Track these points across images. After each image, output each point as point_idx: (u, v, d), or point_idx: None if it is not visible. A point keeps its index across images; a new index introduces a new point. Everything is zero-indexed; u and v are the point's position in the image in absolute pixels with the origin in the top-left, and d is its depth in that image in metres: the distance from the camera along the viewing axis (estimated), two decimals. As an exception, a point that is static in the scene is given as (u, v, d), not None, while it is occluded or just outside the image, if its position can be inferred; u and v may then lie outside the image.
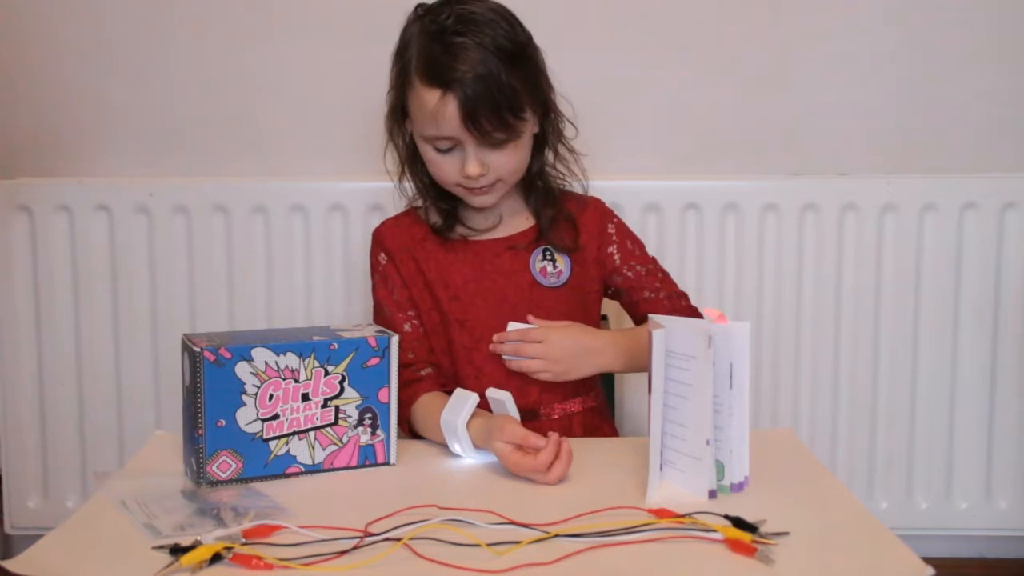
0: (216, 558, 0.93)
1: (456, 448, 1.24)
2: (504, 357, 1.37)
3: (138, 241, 1.94)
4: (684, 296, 1.50)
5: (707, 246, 1.94)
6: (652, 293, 1.49)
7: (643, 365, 1.33)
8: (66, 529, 1.03)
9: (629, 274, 1.49)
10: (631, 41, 1.98)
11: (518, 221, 1.48)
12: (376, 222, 1.90)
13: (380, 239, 1.49)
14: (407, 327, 1.43)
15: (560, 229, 1.47)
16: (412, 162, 1.47)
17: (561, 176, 1.51)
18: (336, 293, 1.96)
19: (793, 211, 1.94)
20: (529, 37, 1.40)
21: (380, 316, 1.47)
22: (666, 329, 1.10)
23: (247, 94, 1.98)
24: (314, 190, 1.94)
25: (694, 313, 1.47)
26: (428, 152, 1.39)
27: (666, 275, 1.51)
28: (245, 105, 1.99)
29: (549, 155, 1.49)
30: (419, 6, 1.40)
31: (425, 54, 1.34)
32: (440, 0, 1.38)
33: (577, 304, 1.46)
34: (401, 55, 1.39)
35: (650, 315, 1.13)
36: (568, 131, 1.49)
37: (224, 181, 1.95)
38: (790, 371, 1.98)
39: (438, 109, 1.32)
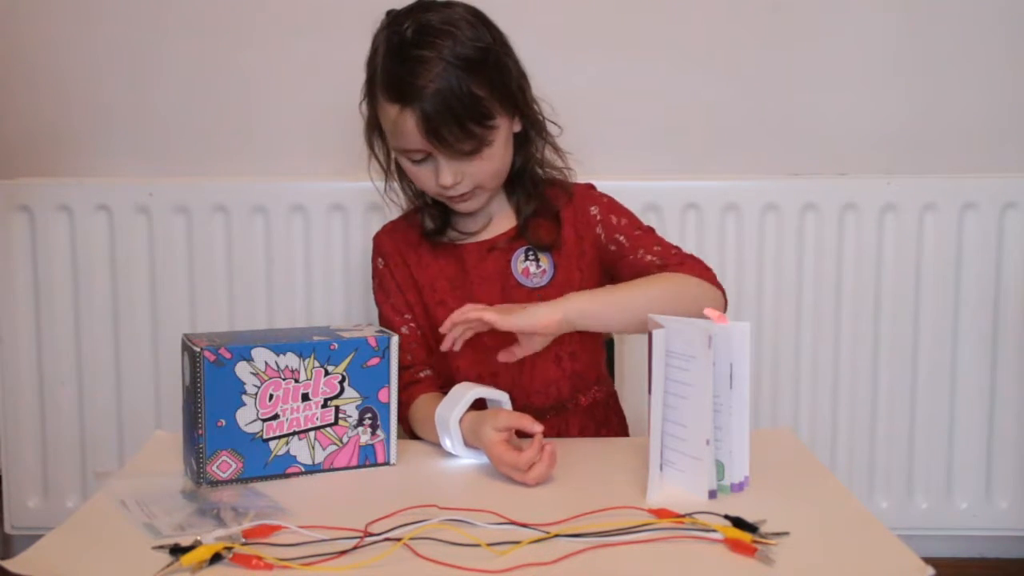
0: (216, 558, 0.93)
1: (447, 444, 1.24)
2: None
3: (138, 241, 1.94)
4: (675, 248, 1.41)
5: (707, 246, 1.94)
6: (636, 255, 1.42)
7: (623, 314, 1.30)
8: (66, 529, 1.03)
9: (613, 248, 1.44)
10: (631, 41, 1.98)
11: (504, 222, 1.46)
12: (376, 222, 1.91)
13: (378, 244, 1.50)
14: (404, 330, 1.43)
15: (540, 226, 1.44)
16: (399, 169, 1.45)
17: (551, 172, 1.48)
18: (336, 293, 1.96)
19: (793, 211, 1.94)
20: (496, 39, 1.36)
21: (380, 319, 1.48)
22: (666, 329, 1.10)
23: (247, 94, 1.98)
24: (314, 190, 1.94)
25: (687, 260, 1.39)
26: (404, 163, 1.38)
27: (657, 236, 1.44)
28: (245, 105, 1.99)
29: (537, 152, 1.46)
30: (389, 11, 1.37)
31: (385, 68, 1.32)
32: (406, 7, 1.35)
33: None
34: (370, 65, 1.37)
35: (650, 315, 1.13)
36: (552, 129, 1.46)
37: (224, 181, 1.95)
38: (790, 371, 1.98)
39: (398, 124, 1.31)
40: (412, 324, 1.44)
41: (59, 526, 1.03)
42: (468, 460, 1.24)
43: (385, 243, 1.49)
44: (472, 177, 1.35)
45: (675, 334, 1.10)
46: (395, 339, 1.22)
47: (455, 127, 1.29)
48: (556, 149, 1.48)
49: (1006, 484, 2.00)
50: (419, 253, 1.46)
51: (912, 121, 1.99)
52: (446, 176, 1.34)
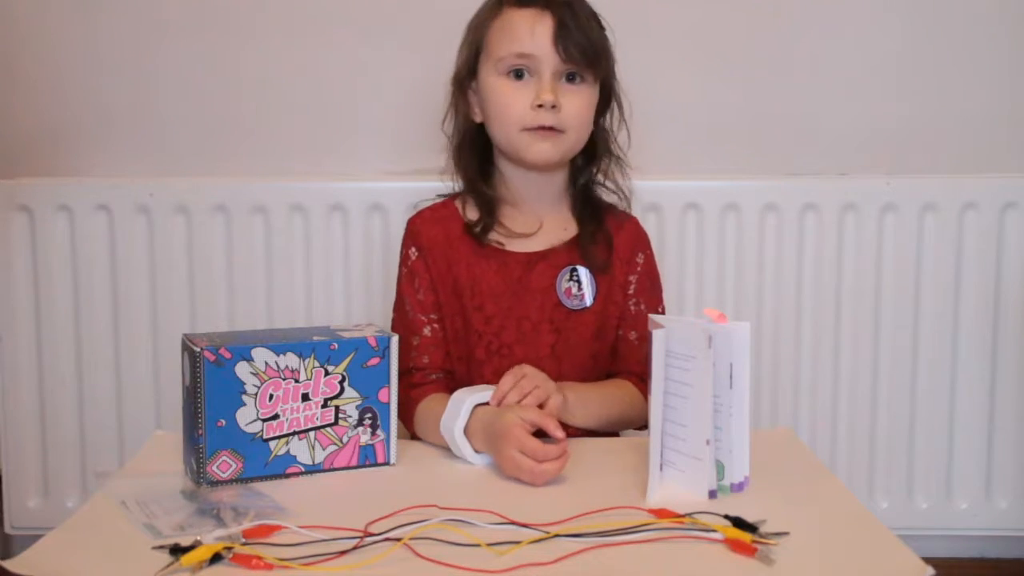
0: (216, 558, 0.93)
1: (459, 453, 1.24)
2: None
3: (138, 241, 1.94)
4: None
5: (707, 246, 1.94)
6: (637, 339, 1.45)
7: (595, 422, 1.37)
8: (66, 529, 1.03)
9: (632, 308, 1.45)
10: (630, 41, 1.97)
11: (556, 232, 1.43)
12: (376, 222, 1.91)
13: (415, 232, 1.44)
14: (427, 331, 1.41)
15: (596, 248, 1.43)
16: (466, 138, 1.45)
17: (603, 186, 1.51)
18: (336, 293, 1.96)
19: (793, 211, 1.94)
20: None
21: (400, 311, 1.43)
22: (666, 329, 1.10)
23: (247, 94, 1.98)
24: (314, 190, 1.94)
25: (641, 391, 1.43)
26: (500, 85, 1.38)
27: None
28: (245, 105, 1.99)
29: (600, 170, 1.49)
30: None
31: None
32: None
33: (597, 329, 1.43)
34: (485, 6, 1.42)
35: (650, 315, 1.13)
36: (623, 143, 1.50)
37: (224, 181, 1.95)
38: (790, 371, 1.98)
39: (532, 23, 1.34)
40: (436, 326, 1.41)
41: (59, 526, 1.03)
42: (469, 461, 1.23)
43: (424, 233, 1.43)
44: (565, 109, 1.36)
45: (675, 334, 1.10)
46: (395, 339, 1.22)
47: (583, 40, 1.35)
48: (619, 158, 1.50)
49: (1006, 484, 1.99)
50: (461, 251, 1.41)
51: (912, 121, 1.99)
52: (547, 92, 1.35)
